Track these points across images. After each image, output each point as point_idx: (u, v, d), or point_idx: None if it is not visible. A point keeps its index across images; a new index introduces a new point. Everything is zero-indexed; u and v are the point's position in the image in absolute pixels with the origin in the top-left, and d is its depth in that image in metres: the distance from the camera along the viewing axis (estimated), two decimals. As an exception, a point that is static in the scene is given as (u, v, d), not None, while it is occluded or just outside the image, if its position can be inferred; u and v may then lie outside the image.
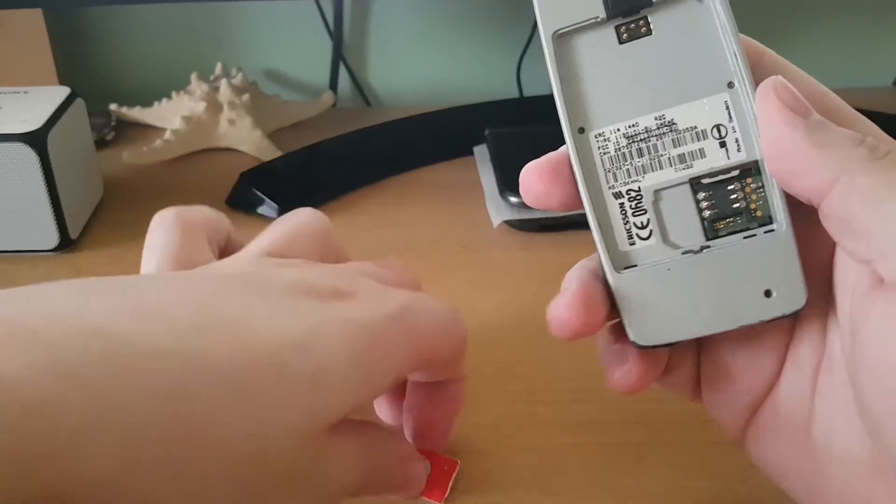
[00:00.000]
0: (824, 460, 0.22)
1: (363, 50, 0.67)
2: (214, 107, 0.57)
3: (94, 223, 0.48)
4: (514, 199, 0.46)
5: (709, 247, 0.23)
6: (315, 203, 0.50)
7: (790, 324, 0.24)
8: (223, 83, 0.57)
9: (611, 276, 0.23)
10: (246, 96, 0.57)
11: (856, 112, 0.23)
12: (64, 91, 0.47)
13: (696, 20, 0.23)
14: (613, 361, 0.24)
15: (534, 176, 0.24)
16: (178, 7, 0.64)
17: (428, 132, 0.58)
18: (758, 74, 0.22)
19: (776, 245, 0.22)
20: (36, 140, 0.42)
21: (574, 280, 0.23)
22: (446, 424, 0.29)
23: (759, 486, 0.28)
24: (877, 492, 0.21)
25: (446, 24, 0.65)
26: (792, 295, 0.22)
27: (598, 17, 0.23)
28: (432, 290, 0.41)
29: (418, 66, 0.67)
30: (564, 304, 0.23)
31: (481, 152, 0.53)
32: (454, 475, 0.29)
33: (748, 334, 0.24)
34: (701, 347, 0.26)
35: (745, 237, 0.23)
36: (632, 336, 0.23)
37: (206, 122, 0.56)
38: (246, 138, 0.56)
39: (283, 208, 0.48)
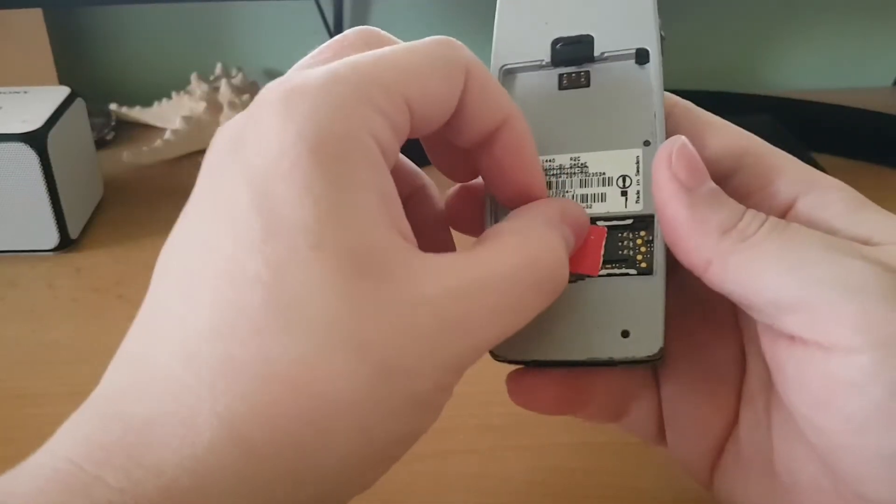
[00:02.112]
0: (791, 494, 0.22)
1: (363, 50, 0.67)
2: (214, 107, 0.57)
3: (94, 223, 0.48)
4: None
5: (583, 279, 0.23)
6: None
7: (740, 359, 0.24)
8: (223, 83, 0.57)
9: None
10: (246, 96, 0.57)
11: (778, 151, 0.24)
12: (64, 91, 0.47)
13: (631, 80, 0.24)
14: (515, 375, 0.25)
15: (452, 195, 0.25)
16: (178, 7, 0.64)
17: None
18: (670, 124, 0.24)
19: (645, 291, 0.23)
20: (36, 140, 0.42)
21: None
22: (530, 172, 0.23)
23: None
24: None
25: (446, 25, 0.65)
26: (647, 340, 0.22)
27: (543, 61, 0.25)
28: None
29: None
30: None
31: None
32: (604, 242, 0.24)
33: (707, 372, 0.25)
34: (661, 390, 0.26)
35: (619, 278, 0.23)
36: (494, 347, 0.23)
37: (206, 122, 0.56)
38: (246, 138, 0.56)
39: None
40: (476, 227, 0.25)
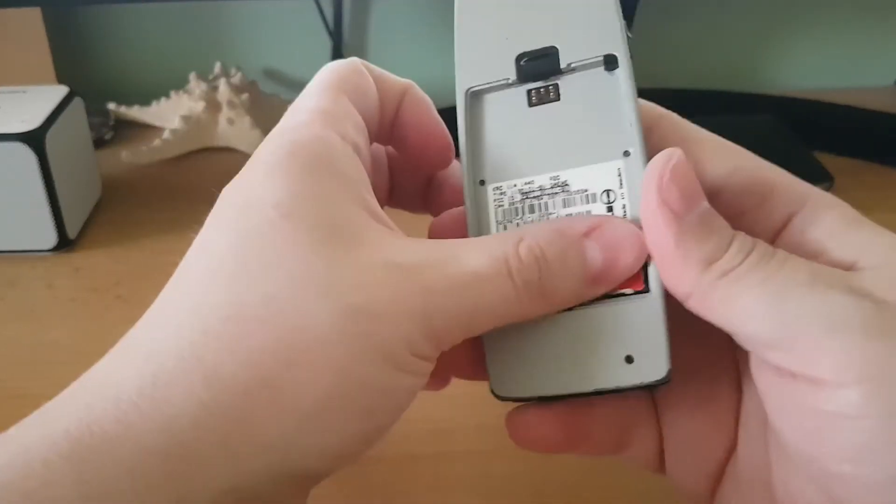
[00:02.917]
0: None
1: (363, 50, 0.67)
2: (213, 106, 0.57)
3: (93, 223, 0.48)
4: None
5: (579, 306, 0.22)
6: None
7: (738, 381, 0.24)
8: (222, 82, 0.57)
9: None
10: (245, 96, 0.57)
11: (770, 166, 0.23)
12: (62, 90, 0.47)
13: (602, 89, 0.23)
14: (514, 414, 0.24)
15: (435, 224, 0.25)
16: (177, 6, 0.64)
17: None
18: (656, 138, 0.23)
19: (644, 311, 0.22)
20: (34, 139, 0.42)
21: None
22: (434, 125, 0.25)
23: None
24: None
25: (446, 24, 0.65)
26: (654, 364, 0.21)
27: (509, 79, 0.24)
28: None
29: (418, 66, 0.67)
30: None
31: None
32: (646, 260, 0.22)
33: (707, 397, 0.24)
34: (661, 418, 0.25)
35: (615, 300, 0.22)
36: (491, 385, 0.23)
37: (204, 121, 0.56)
38: (245, 138, 0.56)
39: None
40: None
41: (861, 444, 0.18)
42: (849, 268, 0.20)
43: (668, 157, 0.20)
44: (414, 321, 0.19)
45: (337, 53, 0.65)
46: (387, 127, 0.25)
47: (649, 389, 0.22)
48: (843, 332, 0.18)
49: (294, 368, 0.18)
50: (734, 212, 0.22)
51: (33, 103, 0.45)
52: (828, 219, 0.21)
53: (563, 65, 0.23)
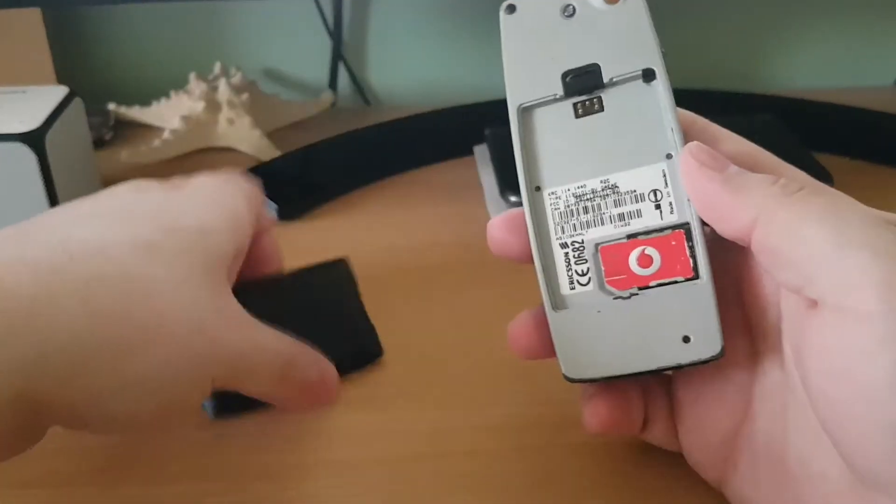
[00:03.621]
0: (802, 485, 0.23)
1: (363, 49, 0.67)
2: (213, 106, 0.57)
3: (93, 223, 0.48)
4: (514, 199, 0.45)
5: (637, 294, 0.25)
6: (314, 203, 0.50)
7: (752, 361, 0.25)
8: (222, 82, 0.57)
9: (549, 315, 0.26)
10: (245, 96, 0.57)
11: (782, 162, 0.25)
12: (62, 90, 0.47)
13: (643, 99, 0.26)
14: (584, 401, 0.28)
15: (495, 227, 0.27)
16: (176, 6, 0.64)
17: (428, 132, 0.58)
18: (689, 139, 0.25)
19: (696, 296, 0.25)
20: (34, 140, 0.42)
21: (523, 315, 0.28)
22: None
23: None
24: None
25: (446, 23, 0.65)
26: (709, 342, 0.24)
27: (556, 94, 0.27)
28: (433, 290, 0.41)
29: (418, 66, 0.67)
30: (511, 335, 0.28)
31: (481, 152, 0.53)
32: (686, 243, 0.25)
33: (714, 374, 0.26)
34: (675, 399, 0.28)
35: (670, 287, 0.25)
36: (563, 369, 0.26)
37: (204, 121, 0.56)
38: (245, 138, 0.56)
39: (283, 208, 0.47)
40: (524, 254, 0.27)
41: (878, 382, 0.19)
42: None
43: (689, 144, 0.25)
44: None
45: (337, 53, 0.65)
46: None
47: (702, 365, 0.25)
48: (887, 263, 0.20)
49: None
50: None
51: (33, 103, 0.45)
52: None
53: (605, 79, 0.26)
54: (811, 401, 0.22)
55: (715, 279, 0.25)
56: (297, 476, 0.30)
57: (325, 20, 0.64)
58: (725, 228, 0.23)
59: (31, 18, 0.58)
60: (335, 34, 0.64)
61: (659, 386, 0.28)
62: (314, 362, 0.29)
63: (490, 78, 0.66)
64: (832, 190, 0.22)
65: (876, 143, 0.57)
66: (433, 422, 0.33)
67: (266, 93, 0.61)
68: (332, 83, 0.66)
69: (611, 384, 0.27)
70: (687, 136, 0.25)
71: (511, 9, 0.27)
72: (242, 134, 0.56)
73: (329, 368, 0.30)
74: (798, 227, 0.21)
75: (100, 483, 0.29)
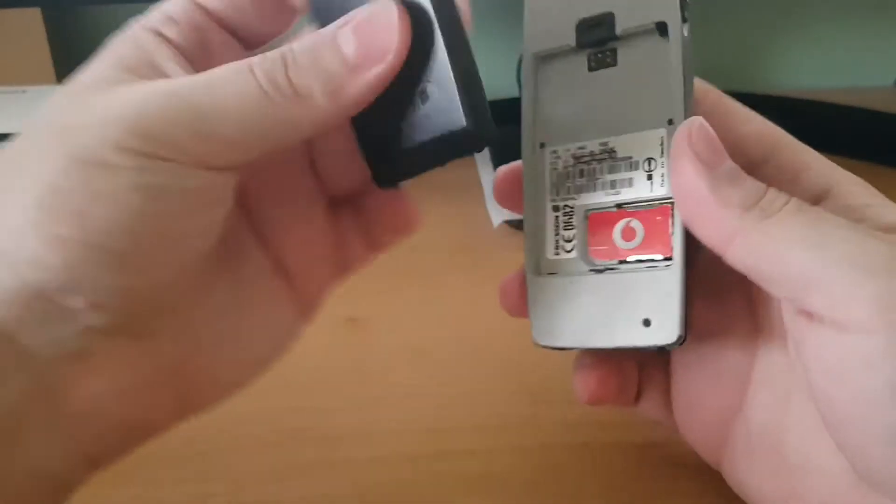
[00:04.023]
0: (800, 476, 0.23)
1: (362, 49, 0.67)
2: (213, 106, 0.56)
3: (93, 223, 0.48)
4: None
5: (611, 269, 0.24)
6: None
7: (752, 345, 0.25)
8: (222, 83, 0.57)
9: (528, 278, 0.26)
10: (245, 96, 0.57)
11: (805, 147, 0.24)
12: (62, 90, 0.47)
13: (658, 56, 0.24)
14: (575, 370, 0.27)
15: (500, 176, 0.27)
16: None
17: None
18: (701, 112, 0.23)
19: (665, 280, 0.23)
20: (34, 139, 0.42)
21: (516, 273, 0.27)
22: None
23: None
24: (854, 503, 0.22)
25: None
26: (667, 329, 0.23)
27: (570, 44, 0.25)
28: (432, 291, 0.41)
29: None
30: (501, 290, 0.27)
31: (482, 152, 0.53)
32: (671, 221, 0.24)
33: (712, 354, 0.26)
34: (671, 375, 0.27)
35: (641, 268, 0.24)
36: (533, 334, 0.26)
37: (205, 121, 0.56)
38: (245, 138, 0.56)
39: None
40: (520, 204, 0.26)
41: (880, 389, 0.19)
42: (887, 230, 0.21)
43: (692, 121, 0.22)
44: (111, 123, 0.19)
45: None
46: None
47: (664, 351, 0.24)
48: (881, 278, 0.19)
49: (7, 191, 0.20)
50: (770, 183, 0.23)
51: (33, 103, 0.45)
52: (862, 194, 0.23)
53: (618, 31, 0.24)
54: (813, 396, 0.22)
55: (696, 264, 0.24)
56: (298, 476, 0.30)
57: (325, 20, 0.63)
58: (699, 233, 0.22)
59: (31, 18, 0.58)
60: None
61: (655, 360, 0.27)
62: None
63: (490, 78, 0.66)
64: (816, 208, 0.21)
65: (876, 143, 0.57)
66: (433, 422, 0.33)
67: (266, 93, 0.60)
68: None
69: (605, 355, 0.26)
70: (699, 107, 0.24)
71: None
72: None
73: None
74: (777, 250, 0.20)
75: (101, 483, 0.29)
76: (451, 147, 0.22)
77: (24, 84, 0.48)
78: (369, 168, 0.24)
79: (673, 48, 0.23)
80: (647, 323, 0.23)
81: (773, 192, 0.21)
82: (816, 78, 0.70)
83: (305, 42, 0.20)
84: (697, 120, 0.22)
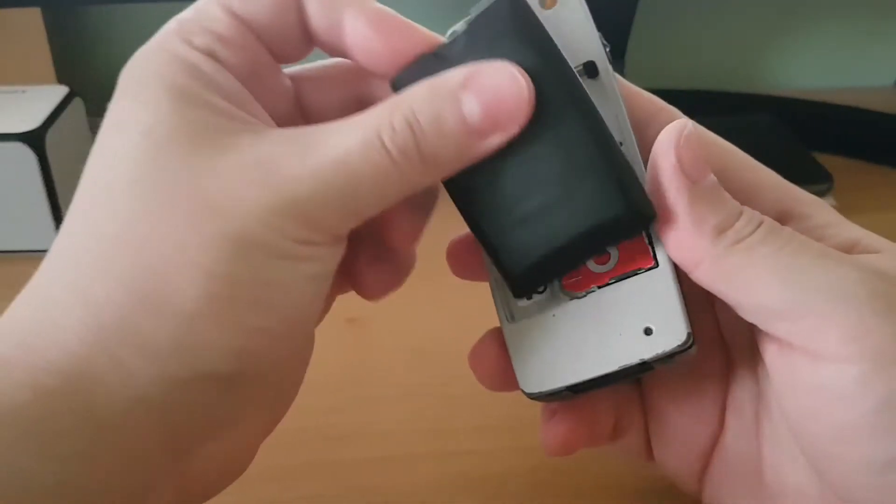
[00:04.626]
0: (779, 499, 0.23)
1: (362, 49, 0.67)
2: (213, 106, 0.56)
3: (93, 223, 0.48)
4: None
5: (594, 291, 0.23)
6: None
7: (726, 373, 0.24)
8: (222, 82, 0.57)
9: (504, 327, 0.24)
10: (245, 96, 0.57)
11: (757, 166, 0.23)
12: (62, 90, 0.47)
13: (595, 93, 0.22)
14: (543, 421, 0.25)
15: (452, 249, 0.26)
16: (177, 6, 0.63)
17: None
18: (654, 132, 0.22)
19: (656, 283, 0.22)
20: (34, 139, 0.42)
21: (486, 336, 0.25)
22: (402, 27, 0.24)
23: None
24: None
25: (446, 23, 0.65)
26: (672, 330, 0.21)
27: None
28: (432, 291, 0.41)
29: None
30: (473, 356, 0.25)
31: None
32: (644, 235, 0.22)
33: (688, 385, 0.25)
34: (645, 407, 0.26)
35: (628, 279, 0.22)
36: (520, 384, 0.23)
37: (205, 121, 0.56)
38: (245, 138, 0.56)
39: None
40: (481, 272, 0.25)
41: (857, 423, 0.19)
42: (849, 250, 0.21)
43: (682, 125, 0.21)
44: (279, 213, 0.19)
45: (337, 53, 0.65)
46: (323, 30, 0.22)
47: (673, 361, 0.22)
48: (852, 306, 0.19)
49: (166, 278, 0.18)
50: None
51: (33, 103, 0.45)
52: (821, 213, 0.22)
53: None
54: (790, 429, 0.21)
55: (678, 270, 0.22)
56: (298, 476, 0.30)
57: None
58: (671, 251, 0.21)
59: (31, 18, 0.58)
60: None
61: (632, 397, 0.26)
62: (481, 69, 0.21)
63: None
64: (786, 230, 0.21)
65: (876, 143, 0.57)
66: (433, 422, 0.33)
67: (266, 93, 0.60)
68: (332, 83, 0.66)
69: (577, 400, 0.24)
70: (650, 128, 0.23)
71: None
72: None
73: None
74: (748, 280, 0.20)
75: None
76: (606, 236, 0.21)
77: (24, 84, 0.48)
78: (505, 278, 0.23)
79: (605, 83, 0.23)
80: (648, 331, 0.22)
81: (747, 215, 0.20)
82: (816, 78, 0.70)
83: (427, 108, 0.20)
84: (688, 125, 0.21)
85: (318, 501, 0.29)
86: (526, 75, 0.20)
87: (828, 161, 0.50)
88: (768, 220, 0.21)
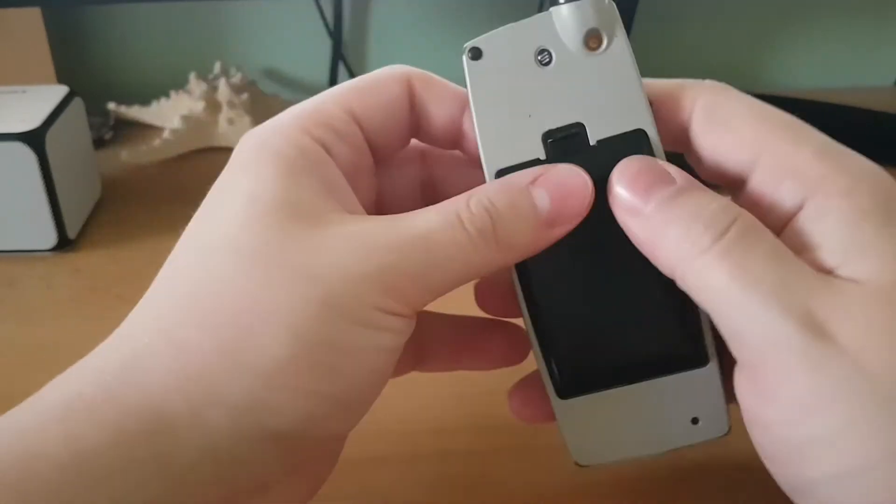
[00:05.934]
0: None
1: (363, 49, 0.67)
2: (213, 106, 0.57)
3: (93, 223, 0.48)
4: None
5: (646, 378, 0.24)
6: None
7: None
8: (222, 82, 0.57)
9: (554, 403, 0.24)
10: (245, 95, 0.57)
11: (800, 144, 0.23)
12: (62, 90, 0.47)
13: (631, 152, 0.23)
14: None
15: (480, 288, 0.28)
16: (177, 6, 0.64)
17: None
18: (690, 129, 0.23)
19: (703, 379, 0.24)
20: (34, 139, 0.42)
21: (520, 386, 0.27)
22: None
23: (761, 478, 0.28)
24: None
25: (446, 23, 0.65)
26: (716, 422, 0.24)
27: (539, 158, 0.23)
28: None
29: (418, 65, 0.67)
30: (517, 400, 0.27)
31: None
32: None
33: None
34: None
35: (678, 373, 0.24)
36: (574, 456, 0.25)
37: (204, 121, 0.56)
38: (245, 138, 0.56)
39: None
40: (512, 309, 0.26)
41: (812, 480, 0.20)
42: (828, 272, 0.20)
43: (620, 165, 0.22)
44: (366, 280, 0.20)
45: (337, 53, 0.65)
46: (441, 130, 0.26)
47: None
48: (802, 324, 0.19)
49: (252, 333, 0.19)
50: (755, 195, 0.22)
51: (33, 103, 0.45)
52: (834, 211, 0.21)
53: (591, 142, 0.23)
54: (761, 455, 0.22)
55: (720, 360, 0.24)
56: (298, 476, 0.30)
57: (325, 20, 0.64)
58: (653, 259, 0.22)
59: (31, 18, 0.58)
60: (335, 34, 0.64)
61: None
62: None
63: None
64: (763, 232, 0.20)
65: (876, 143, 0.57)
66: (433, 422, 0.33)
67: (266, 93, 0.61)
68: (332, 83, 0.66)
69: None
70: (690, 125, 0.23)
71: (476, 53, 0.23)
72: (243, 134, 0.56)
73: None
74: (708, 294, 0.20)
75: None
76: (665, 371, 0.24)
77: (24, 84, 0.48)
78: (551, 375, 0.24)
79: (655, 147, 0.23)
80: (695, 421, 0.24)
81: (711, 218, 0.20)
82: (816, 78, 0.70)
83: (503, 196, 0.22)
84: (626, 163, 0.22)
85: (317, 501, 0.29)
86: (590, 180, 0.22)
87: (828, 161, 0.50)
88: (739, 222, 0.20)
